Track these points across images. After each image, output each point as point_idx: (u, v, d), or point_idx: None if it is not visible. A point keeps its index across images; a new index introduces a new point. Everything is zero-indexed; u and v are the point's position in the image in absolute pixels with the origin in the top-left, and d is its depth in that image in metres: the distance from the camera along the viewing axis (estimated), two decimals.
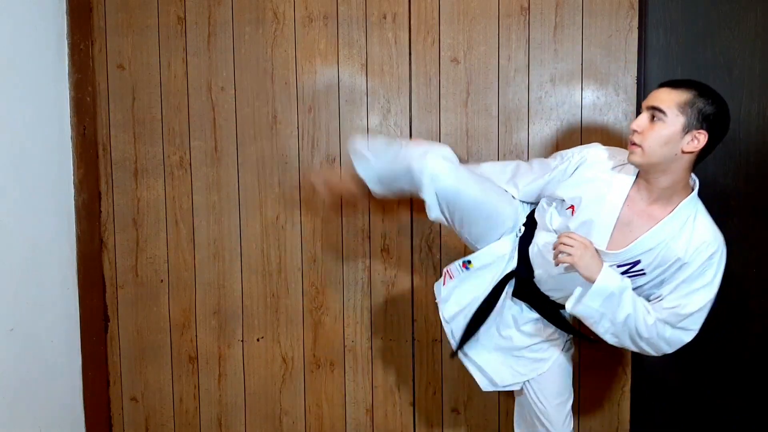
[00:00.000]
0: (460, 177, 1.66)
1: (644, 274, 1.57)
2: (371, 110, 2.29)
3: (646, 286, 1.61)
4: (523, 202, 1.84)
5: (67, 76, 2.30)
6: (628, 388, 2.25)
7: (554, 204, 1.71)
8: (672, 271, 1.55)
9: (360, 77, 2.29)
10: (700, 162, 1.53)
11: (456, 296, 1.82)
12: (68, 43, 2.29)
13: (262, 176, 2.35)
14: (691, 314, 1.54)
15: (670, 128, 1.46)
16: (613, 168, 1.63)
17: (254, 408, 2.45)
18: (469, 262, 1.80)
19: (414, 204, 2.28)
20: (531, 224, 1.77)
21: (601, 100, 2.18)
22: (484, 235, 1.78)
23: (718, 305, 2.08)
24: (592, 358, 2.24)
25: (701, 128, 1.46)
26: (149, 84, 2.38)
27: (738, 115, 2.07)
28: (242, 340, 2.42)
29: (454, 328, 1.84)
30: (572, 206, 1.63)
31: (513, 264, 1.77)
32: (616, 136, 2.16)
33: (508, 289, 1.79)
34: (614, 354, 2.18)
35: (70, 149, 2.32)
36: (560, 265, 1.59)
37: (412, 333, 2.34)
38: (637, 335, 1.56)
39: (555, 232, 1.67)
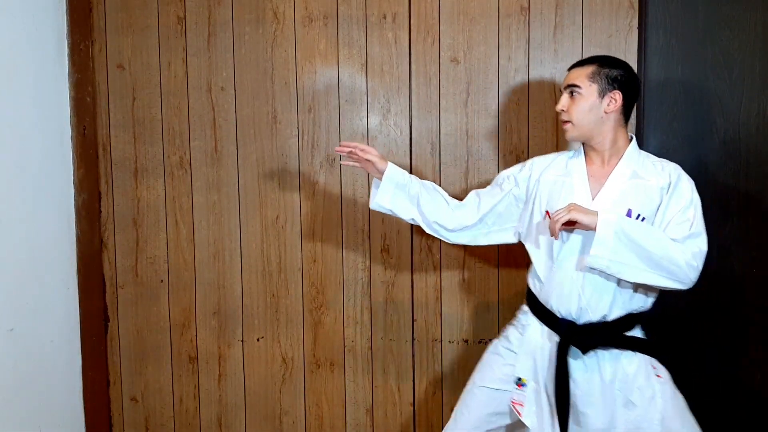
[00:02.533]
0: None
1: (644, 219, 1.63)
2: (371, 110, 2.29)
3: None
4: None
5: (67, 76, 2.30)
6: None
7: (533, 231, 1.77)
8: (665, 204, 1.64)
9: (360, 77, 2.29)
10: (628, 119, 1.71)
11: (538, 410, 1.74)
12: (68, 43, 2.29)
13: (262, 176, 2.35)
14: (691, 220, 1.61)
15: (589, 97, 1.66)
16: (561, 159, 1.79)
17: (254, 408, 2.45)
18: (519, 379, 1.76)
19: None
20: (536, 309, 1.76)
21: None
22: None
23: (718, 305, 2.09)
24: None
25: (614, 89, 1.65)
26: (149, 84, 2.38)
27: (738, 115, 2.07)
28: (242, 340, 2.42)
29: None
30: (547, 212, 1.72)
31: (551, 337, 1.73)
32: None
33: (571, 360, 1.68)
34: None
35: (70, 149, 2.32)
36: (577, 261, 1.65)
37: (412, 333, 2.34)
38: (668, 261, 1.54)
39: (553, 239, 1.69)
